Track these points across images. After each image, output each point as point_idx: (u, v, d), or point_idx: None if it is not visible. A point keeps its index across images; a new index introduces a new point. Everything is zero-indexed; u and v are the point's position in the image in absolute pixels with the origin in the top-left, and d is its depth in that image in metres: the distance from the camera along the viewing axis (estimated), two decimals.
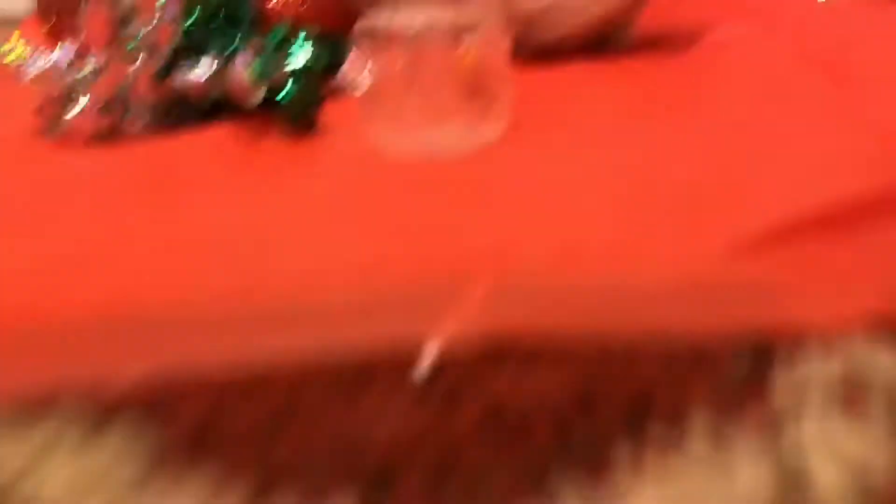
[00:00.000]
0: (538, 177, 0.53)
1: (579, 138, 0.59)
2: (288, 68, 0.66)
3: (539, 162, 0.55)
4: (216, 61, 0.63)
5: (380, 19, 0.59)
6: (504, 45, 0.59)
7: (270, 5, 0.79)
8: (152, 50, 0.63)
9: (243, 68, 0.62)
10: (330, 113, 0.65)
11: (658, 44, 0.82)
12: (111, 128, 0.66)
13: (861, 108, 0.61)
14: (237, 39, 0.65)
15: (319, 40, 0.72)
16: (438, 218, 0.48)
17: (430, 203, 0.50)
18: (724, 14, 0.91)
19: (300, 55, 0.69)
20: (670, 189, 0.49)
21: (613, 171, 0.53)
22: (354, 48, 0.59)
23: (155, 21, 0.62)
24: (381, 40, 0.57)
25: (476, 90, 0.59)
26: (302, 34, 0.71)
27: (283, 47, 0.70)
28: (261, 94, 0.61)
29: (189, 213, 0.52)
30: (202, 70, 0.62)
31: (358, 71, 0.58)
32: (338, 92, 0.64)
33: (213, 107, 0.67)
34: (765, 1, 0.97)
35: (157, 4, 0.62)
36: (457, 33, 0.57)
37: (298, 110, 0.63)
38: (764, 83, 0.69)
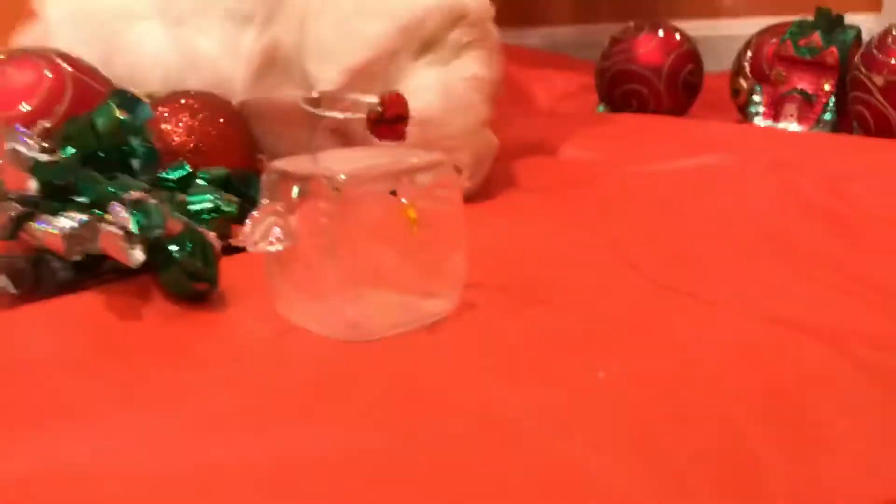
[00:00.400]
0: (494, 379, 0.39)
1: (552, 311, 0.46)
2: (183, 216, 0.52)
3: (494, 352, 0.41)
4: (85, 211, 0.49)
5: (299, 162, 0.46)
6: (458, 197, 0.46)
7: (168, 132, 0.66)
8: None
9: (120, 219, 0.48)
10: (231, 275, 0.51)
11: (631, 179, 0.72)
12: None
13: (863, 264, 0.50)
14: (114, 182, 0.50)
15: (226, 183, 0.59)
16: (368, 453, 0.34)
17: (349, 415, 0.36)
18: (695, 145, 0.83)
19: (201, 200, 0.56)
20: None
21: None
22: (264, 195, 0.45)
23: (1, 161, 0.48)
24: (299, 187, 0.44)
25: (420, 254, 0.45)
26: (203, 174, 0.58)
27: (181, 189, 0.57)
28: (141, 252, 0.47)
29: (25, 430, 0.36)
30: (65, 223, 0.48)
31: (266, 224, 0.44)
32: (241, 249, 0.50)
33: (86, 265, 0.53)
34: (734, 131, 0.89)
35: (6, 140, 0.47)
36: (397, 183, 0.44)
37: (192, 272, 0.49)
38: (759, 231, 0.58)
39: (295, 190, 0.44)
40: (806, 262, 0.52)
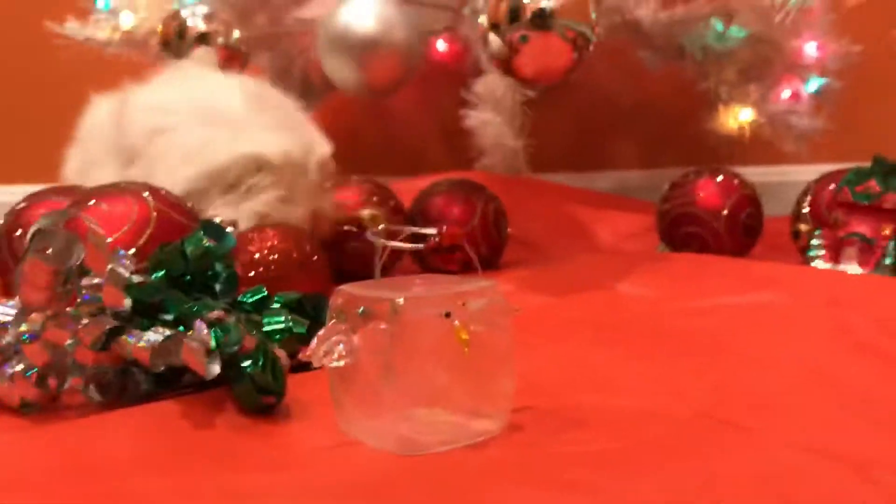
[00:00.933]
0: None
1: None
2: (258, 335, 0.57)
3: (535, 470, 0.44)
4: (170, 327, 0.54)
5: (364, 287, 0.51)
6: (508, 323, 0.49)
7: (250, 253, 0.72)
8: (96, 312, 0.54)
9: (201, 336, 0.53)
10: (297, 390, 0.55)
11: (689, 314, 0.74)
12: (45, 397, 0.56)
13: None
14: (198, 303, 0.56)
15: (298, 305, 0.64)
16: None
17: None
18: (751, 283, 0.85)
19: (274, 322, 0.60)
20: None
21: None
22: (331, 316, 0.50)
23: (101, 281, 0.54)
24: (361, 310, 0.48)
25: (471, 375, 0.48)
26: (278, 298, 0.63)
27: (257, 310, 0.63)
28: (217, 366, 0.52)
29: None
30: (152, 337, 0.53)
31: (331, 342, 0.48)
32: (308, 365, 0.54)
33: (167, 377, 0.58)
34: (792, 272, 0.91)
35: (108, 263, 0.54)
36: (451, 307, 0.47)
37: (262, 386, 0.53)
38: (806, 367, 0.60)
39: (359, 311, 0.48)
40: (849, 397, 0.53)
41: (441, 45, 1.64)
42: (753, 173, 1.71)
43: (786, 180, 1.37)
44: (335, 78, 1.07)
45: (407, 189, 1.08)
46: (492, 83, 1.36)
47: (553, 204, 1.34)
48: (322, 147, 0.89)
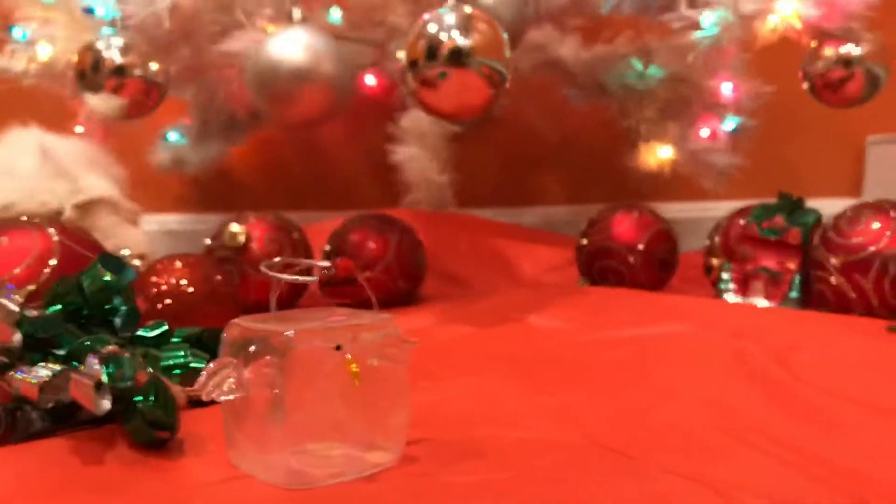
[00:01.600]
0: None
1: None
2: (154, 369, 0.56)
3: (425, 499, 0.44)
4: (63, 363, 0.53)
5: (257, 320, 0.50)
6: (403, 356, 0.50)
7: (157, 285, 0.71)
8: None
9: (93, 371, 0.52)
10: (193, 426, 0.54)
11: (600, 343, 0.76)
12: None
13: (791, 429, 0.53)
14: (92, 337, 0.55)
15: (199, 340, 0.63)
16: None
17: None
18: (660, 316, 0.87)
19: (173, 356, 0.60)
20: None
21: None
22: (224, 350, 0.49)
23: None
24: (251, 343, 0.48)
25: (364, 408, 0.48)
26: (179, 332, 0.63)
27: (157, 345, 0.62)
28: (107, 401, 0.51)
29: None
30: (42, 372, 0.52)
31: (221, 376, 0.47)
32: (210, 402, 0.53)
33: (62, 414, 0.57)
34: (701, 304, 0.93)
35: None
36: (342, 340, 0.48)
37: (153, 421, 0.52)
38: (704, 396, 0.61)
39: (250, 347, 0.48)
40: (737, 424, 0.54)
41: (370, 80, 1.65)
42: (674, 209, 1.77)
43: (705, 216, 1.41)
44: (262, 110, 1.07)
45: (322, 228, 1.09)
46: (417, 118, 1.37)
47: (478, 238, 1.35)
48: (96, 190, 0.97)
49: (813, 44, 1.09)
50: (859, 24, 1.05)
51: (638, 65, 1.42)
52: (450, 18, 0.80)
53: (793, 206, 1.02)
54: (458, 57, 0.80)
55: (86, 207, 0.95)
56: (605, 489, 0.44)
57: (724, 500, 0.41)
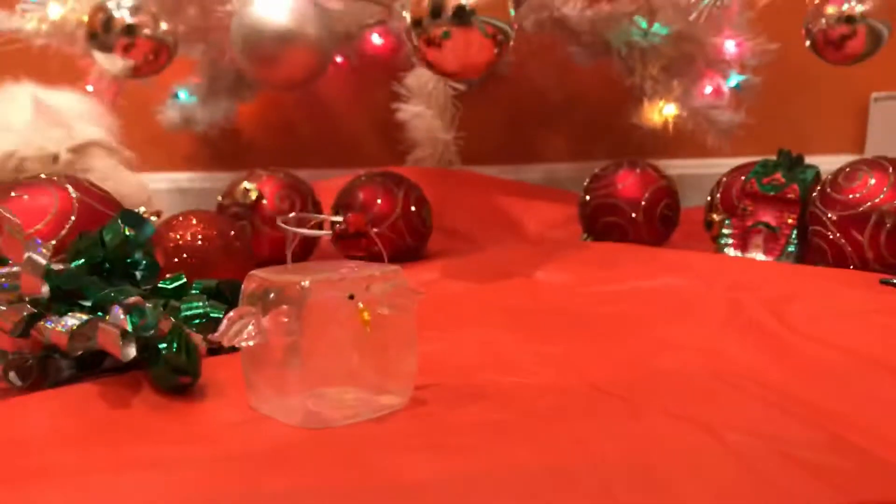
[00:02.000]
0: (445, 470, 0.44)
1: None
2: (176, 319, 0.59)
3: (433, 437, 0.47)
4: (89, 313, 0.56)
5: (275, 271, 0.53)
6: (411, 305, 0.52)
7: (174, 239, 0.74)
8: (15, 300, 0.56)
9: (118, 320, 0.55)
10: (213, 372, 0.57)
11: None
12: None
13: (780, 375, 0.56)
14: (116, 289, 0.58)
15: (216, 291, 0.66)
16: None
17: (296, 489, 0.41)
18: (661, 270, 0.89)
19: (193, 307, 0.63)
20: None
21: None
22: (243, 300, 0.52)
23: (19, 269, 0.55)
24: (269, 293, 0.50)
25: (376, 354, 0.51)
26: (197, 284, 0.66)
27: (176, 296, 0.65)
28: (133, 349, 0.54)
29: (15, 490, 0.42)
30: (70, 322, 0.55)
31: (241, 324, 0.50)
32: (225, 349, 0.56)
33: (88, 362, 0.60)
34: (701, 259, 0.96)
35: (25, 251, 0.55)
36: (355, 290, 0.50)
37: (176, 367, 0.55)
38: (700, 345, 0.64)
39: (269, 296, 0.51)
40: (729, 370, 0.57)
41: (376, 39, 1.66)
42: (678, 165, 1.78)
43: (709, 172, 1.43)
44: (247, 71, 1.09)
45: (332, 187, 1.11)
46: (423, 77, 1.39)
47: (482, 195, 1.38)
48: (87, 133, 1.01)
49: (816, 1, 1.10)
50: None
51: (642, 22, 1.42)
52: None
53: (792, 163, 1.03)
54: (461, 15, 0.81)
55: (81, 150, 0.99)
56: (601, 427, 0.47)
57: (709, 435, 0.44)
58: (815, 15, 1.10)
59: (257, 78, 1.05)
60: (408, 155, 1.48)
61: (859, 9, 1.08)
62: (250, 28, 0.95)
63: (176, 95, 1.59)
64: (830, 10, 1.09)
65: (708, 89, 1.49)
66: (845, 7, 1.09)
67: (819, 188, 0.96)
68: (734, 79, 1.49)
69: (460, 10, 0.82)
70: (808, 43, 1.13)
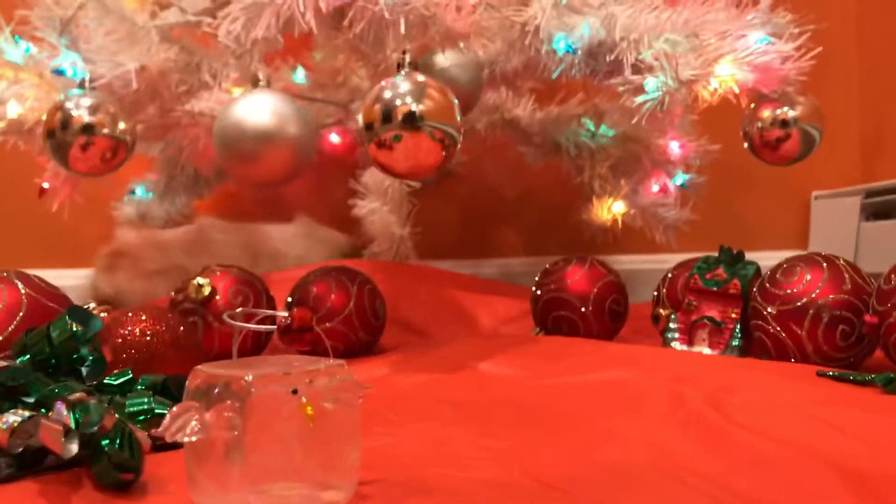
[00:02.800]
0: None
1: None
2: (122, 414, 0.59)
3: None
4: (32, 409, 0.56)
5: (218, 367, 0.54)
6: (357, 402, 0.53)
7: (122, 335, 0.74)
8: None
9: (60, 416, 0.55)
10: (157, 469, 0.57)
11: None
12: None
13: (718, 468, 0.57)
14: (60, 385, 0.58)
15: (163, 387, 0.66)
16: None
17: None
18: (608, 363, 0.91)
19: (138, 403, 0.63)
20: None
21: None
22: (187, 395, 0.53)
23: None
24: (213, 388, 0.51)
25: (320, 449, 0.52)
26: (143, 380, 0.66)
27: (122, 392, 0.65)
28: (75, 445, 0.53)
29: None
30: (11, 418, 0.54)
31: (184, 419, 0.51)
32: (170, 445, 0.56)
33: (30, 460, 0.59)
34: (648, 353, 0.98)
35: None
36: (298, 384, 0.51)
37: (119, 464, 0.55)
38: (642, 437, 0.65)
39: (214, 390, 0.51)
40: (671, 463, 0.58)
41: (334, 138, 1.70)
42: (628, 261, 1.82)
43: (657, 267, 1.47)
44: (228, 170, 1.11)
45: (286, 278, 1.12)
46: (379, 174, 1.42)
47: (437, 290, 1.39)
48: None
49: (751, 106, 1.16)
50: (793, 88, 1.12)
51: (589, 124, 1.49)
52: (404, 85, 0.85)
53: (733, 259, 1.07)
54: (411, 121, 0.85)
55: None
56: None
57: None
58: (750, 119, 1.16)
59: (238, 177, 1.07)
60: (364, 249, 1.50)
61: (792, 113, 1.14)
62: (231, 128, 0.97)
63: (133, 192, 1.61)
64: (765, 114, 1.15)
65: (655, 188, 1.55)
66: (779, 112, 1.15)
67: (759, 283, 1.00)
68: (680, 177, 1.54)
69: (410, 115, 0.85)
70: (745, 144, 1.18)
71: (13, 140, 1.18)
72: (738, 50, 1.04)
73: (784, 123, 1.15)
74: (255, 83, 1.01)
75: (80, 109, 1.01)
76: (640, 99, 1.05)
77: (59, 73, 1.10)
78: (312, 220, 1.67)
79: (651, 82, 1.06)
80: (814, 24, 1.09)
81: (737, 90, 1.11)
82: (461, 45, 1.01)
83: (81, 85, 1.06)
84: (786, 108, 1.14)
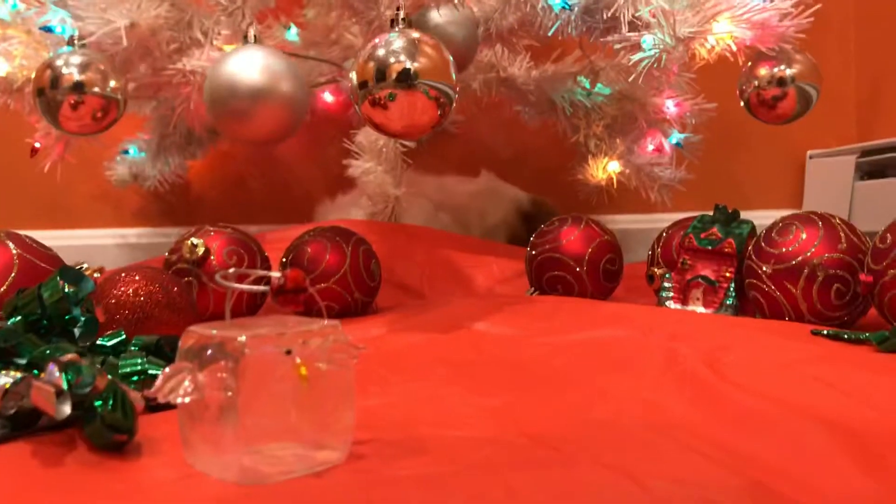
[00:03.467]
0: None
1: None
2: (116, 375, 0.59)
3: (370, 491, 0.47)
4: (24, 371, 0.56)
5: (212, 327, 0.53)
6: (351, 362, 0.53)
7: (115, 295, 0.74)
8: None
9: (53, 378, 0.54)
10: (150, 430, 0.57)
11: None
12: None
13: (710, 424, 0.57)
14: (51, 346, 0.57)
15: (156, 347, 0.66)
16: None
17: None
18: (603, 322, 0.91)
19: (131, 364, 0.62)
20: None
21: None
22: (180, 355, 0.52)
23: None
24: (206, 349, 0.51)
25: (314, 410, 0.52)
26: (136, 341, 0.65)
27: (115, 353, 0.64)
28: (68, 407, 0.53)
29: None
30: (2, 380, 0.54)
31: (177, 379, 0.50)
32: (163, 406, 0.56)
33: (23, 421, 0.59)
34: (642, 311, 0.98)
35: None
36: (292, 345, 0.51)
37: (112, 425, 0.55)
38: (637, 395, 0.65)
39: (207, 350, 0.51)
40: (664, 421, 0.58)
41: (328, 97, 1.69)
42: (623, 220, 1.82)
43: (652, 227, 1.47)
44: (220, 128, 1.10)
45: (281, 238, 1.12)
46: (373, 134, 1.41)
47: (432, 250, 1.39)
48: None
49: (748, 64, 1.15)
50: (791, 45, 1.11)
51: (585, 82, 1.47)
52: (398, 42, 0.84)
53: (728, 218, 1.07)
54: (405, 79, 0.84)
55: None
56: (534, 478, 0.48)
57: (637, 485, 0.45)
58: (747, 77, 1.15)
59: (230, 135, 1.06)
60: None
61: (789, 72, 1.13)
62: (223, 86, 0.96)
63: (125, 152, 1.59)
64: (762, 72, 1.14)
65: (650, 147, 1.54)
66: (776, 70, 1.13)
67: (754, 242, 0.99)
68: (675, 137, 1.53)
69: (404, 73, 0.84)
70: (742, 103, 1.18)
71: (3, 99, 1.17)
72: (735, 7, 1.02)
73: (781, 82, 1.14)
74: (246, 40, 0.99)
75: (70, 67, 0.99)
76: (636, 57, 1.04)
77: (47, 30, 1.09)
78: (495, 176, 1.69)
79: (648, 39, 1.05)
80: None
81: (734, 47, 1.10)
82: (456, 0, 0.99)
83: (70, 42, 1.04)
84: (783, 67, 1.13)
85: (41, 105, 1.02)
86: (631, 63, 1.10)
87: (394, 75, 0.84)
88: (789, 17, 1.06)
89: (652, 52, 1.06)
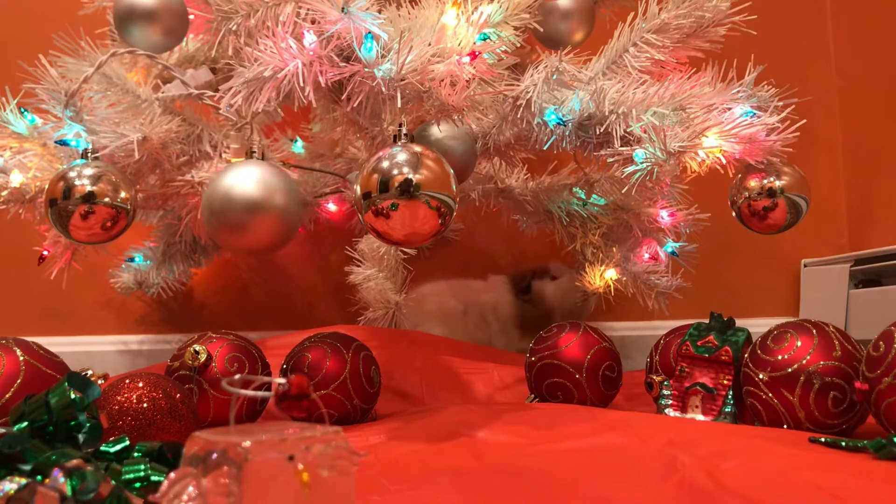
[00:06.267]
0: None
1: None
2: (119, 482, 0.59)
3: None
4: (28, 476, 0.56)
5: (216, 433, 0.54)
6: (352, 469, 0.54)
7: (119, 402, 0.75)
8: None
9: (58, 484, 0.55)
10: None
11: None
12: None
13: None
14: (56, 452, 0.58)
15: (159, 454, 0.67)
16: None
17: None
18: (602, 429, 0.91)
19: (134, 470, 0.63)
20: None
21: None
22: (184, 461, 0.53)
23: None
24: (210, 454, 0.52)
25: None
26: (140, 447, 0.66)
27: (119, 459, 0.65)
28: None
29: None
30: (7, 486, 0.55)
31: (181, 485, 0.51)
32: None
33: None
34: (641, 419, 0.98)
35: None
36: (295, 451, 0.52)
37: None
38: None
39: (211, 456, 0.52)
40: None
41: (331, 206, 1.73)
42: (622, 327, 1.83)
43: (653, 334, 1.48)
44: (217, 238, 1.13)
45: (281, 344, 1.13)
46: (375, 241, 1.44)
47: (432, 356, 1.40)
48: None
49: (738, 176, 1.18)
50: (779, 158, 1.15)
51: (581, 193, 1.51)
52: (401, 156, 0.87)
53: (724, 326, 1.08)
54: (407, 190, 0.87)
55: None
56: None
57: None
58: (738, 188, 1.19)
59: (224, 245, 1.08)
60: (359, 317, 1.51)
61: (778, 183, 1.16)
62: (219, 198, 0.99)
63: (131, 259, 1.62)
64: (752, 183, 1.18)
65: (646, 255, 1.57)
66: (765, 182, 1.17)
67: (750, 350, 1.01)
68: (670, 245, 1.56)
69: (407, 184, 0.88)
70: (734, 213, 1.21)
71: (15, 209, 1.20)
72: (724, 122, 1.06)
73: (771, 193, 1.17)
74: (249, 154, 1.03)
75: (83, 179, 1.03)
76: (629, 169, 1.08)
77: (62, 143, 1.13)
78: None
79: (640, 153, 1.09)
80: (797, 97, 1.12)
81: (724, 161, 1.14)
82: (456, 117, 1.04)
83: (84, 155, 1.08)
84: (772, 178, 1.16)
85: (52, 215, 1.05)
86: (624, 175, 1.13)
87: (397, 186, 0.87)
88: (776, 131, 1.10)
89: (644, 166, 1.10)
